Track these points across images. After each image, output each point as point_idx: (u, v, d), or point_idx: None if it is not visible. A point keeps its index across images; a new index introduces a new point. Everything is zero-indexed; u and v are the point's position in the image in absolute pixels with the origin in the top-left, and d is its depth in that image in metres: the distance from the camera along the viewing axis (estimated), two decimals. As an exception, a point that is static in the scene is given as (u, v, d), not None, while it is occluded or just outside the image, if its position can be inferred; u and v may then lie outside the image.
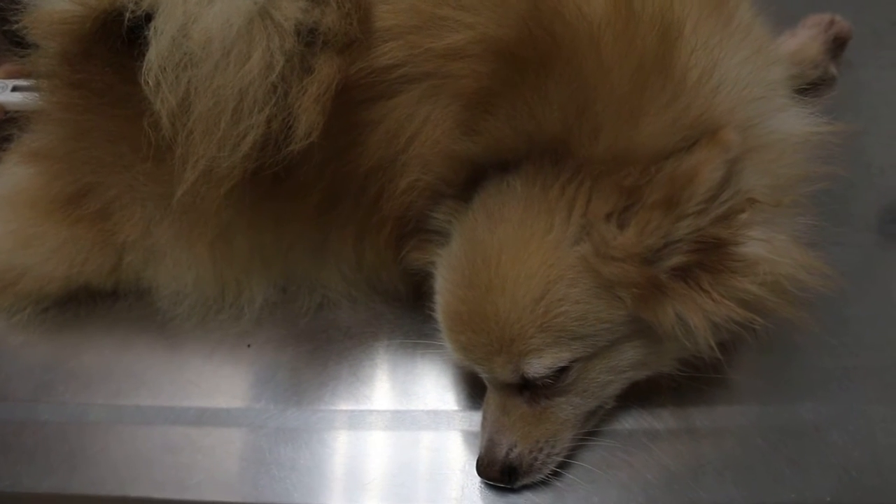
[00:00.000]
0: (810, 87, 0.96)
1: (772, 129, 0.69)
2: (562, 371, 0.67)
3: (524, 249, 0.65)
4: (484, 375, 0.70)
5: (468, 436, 0.76)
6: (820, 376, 0.76)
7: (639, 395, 0.74)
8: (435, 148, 0.69)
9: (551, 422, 0.69)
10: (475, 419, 0.76)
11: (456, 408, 0.79)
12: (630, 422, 0.75)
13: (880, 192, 0.91)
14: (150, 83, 0.67)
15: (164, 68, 0.66)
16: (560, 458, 0.71)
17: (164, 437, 0.79)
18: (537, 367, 0.66)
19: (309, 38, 0.68)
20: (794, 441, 0.73)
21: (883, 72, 1.03)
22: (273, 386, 0.81)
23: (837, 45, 1.01)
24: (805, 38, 0.99)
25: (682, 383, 0.74)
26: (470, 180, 0.70)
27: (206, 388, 0.81)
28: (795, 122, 0.71)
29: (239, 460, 0.77)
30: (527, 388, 0.69)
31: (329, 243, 0.79)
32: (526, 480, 0.71)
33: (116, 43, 0.75)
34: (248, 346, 0.84)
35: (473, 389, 0.78)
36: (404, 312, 0.83)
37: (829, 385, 0.76)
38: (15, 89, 0.90)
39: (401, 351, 0.82)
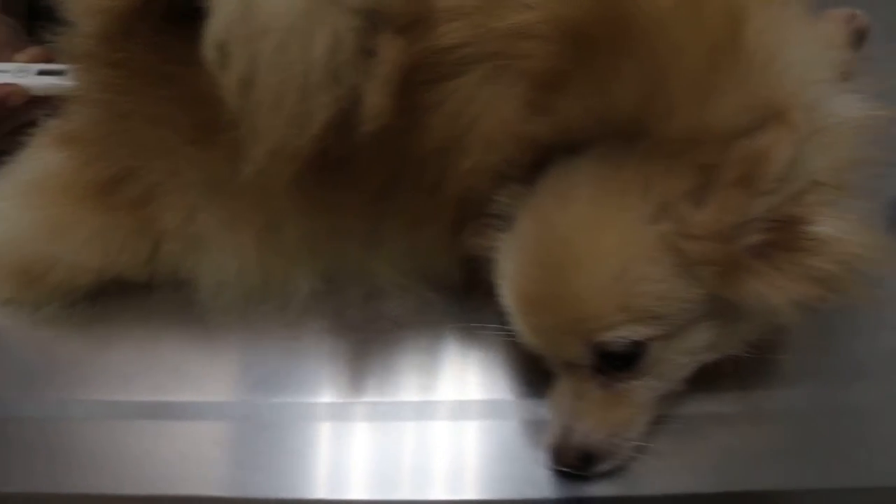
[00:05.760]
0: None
1: (831, 111, 0.70)
2: (639, 353, 0.66)
3: (599, 228, 0.65)
4: (557, 359, 0.69)
5: (531, 424, 0.75)
6: (882, 356, 0.77)
7: (701, 378, 0.73)
8: (502, 128, 0.68)
9: (627, 406, 0.68)
10: (537, 408, 0.75)
11: (514, 396, 0.77)
12: (693, 406, 0.74)
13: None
14: (214, 56, 0.64)
15: (229, 41, 0.64)
16: (635, 444, 0.69)
17: (213, 433, 0.76)
18: (614, 347, 0.65)
19: (372, 19, 0.67)
20: (858, 422, 0.73)
21: (899, 64, 1.05)
22: (324, 378, 0.78)
23: (858, 39, 1.03)
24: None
25: (743, 366, 0.74)
26: (536, 162, 0.69)
27: (251, 383, 0.78)
28: (852, 105, 0.72)
29: (323, 454, 0.75)
30: (602, 372, 0.68)
31: (383, 231, 0.77)
32: (602, 467, 0.69)
33: (159, 21, 0.73)
34: (294, 338, 0.81)
35: (534, 377, 0.76)
36: (455, 300, 0.81)
37: (892, 365, 0.76)
38: (41, 73, 0.86)
39: (456, 339, 0.80)
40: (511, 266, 0.69)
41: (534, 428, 0.75)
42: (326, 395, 0.78)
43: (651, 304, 0.64)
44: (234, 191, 0.75)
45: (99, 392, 0.79)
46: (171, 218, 0.78)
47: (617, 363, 0.66)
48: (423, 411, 0.77)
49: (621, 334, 0.64)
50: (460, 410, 0.77)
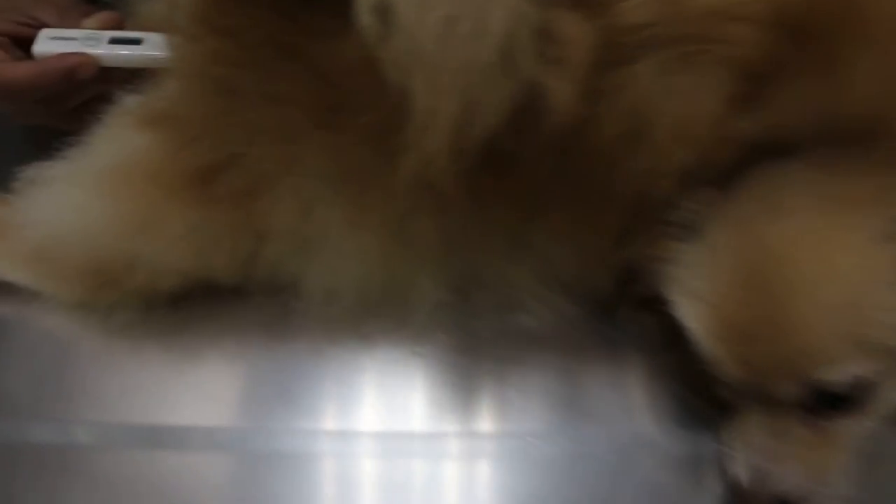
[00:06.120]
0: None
1: None
2: (861, 390, 0.57)
3: (827, 246, 0.56)
4: (756, 392, 0.60)
5: (680, 461, 0.67)
6: None
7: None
8: (698, 123, 0.59)
9: (833, 447, 0.60)
10: (687, 442, 0.67)
11: (658, 427, 0.68)
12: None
13: None
14: (370, 22, 0.54)
15: (391, 4, 0.54)
16: (839, 491, 0.61)
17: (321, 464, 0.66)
18: (835, 386, 0.56)
19: None
20: None
21: None
22: (460, 401, 0.68)
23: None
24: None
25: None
26: (735, 164, 0.60)
27: (379, 405, 0.68)
28: None
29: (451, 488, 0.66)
30: (807, 409, 0.59)
31: (531, 235, 0.67)
32: (800, 516, 0.61)
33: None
34: (417, 354, 0.71)
35: (686, 407, 0.68)
36: (603, 318, 0.71)
37: None
38: (113, 41, 0.73)
39: (598, 360, 0.71)
40: (707, 285, 0.60)
41: (686, 465, 0.67)
42: (451, 424, 0.69)
43: (884, 335, 0.55)
44: (363, 185, 0.65)
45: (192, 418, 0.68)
46: (283, 213, 0.67)
47: (833, 401, 0.58)
48: (556, 440, 0.68)
49: (848, 370, 0.56)
50: (594, 441, 0.68)
